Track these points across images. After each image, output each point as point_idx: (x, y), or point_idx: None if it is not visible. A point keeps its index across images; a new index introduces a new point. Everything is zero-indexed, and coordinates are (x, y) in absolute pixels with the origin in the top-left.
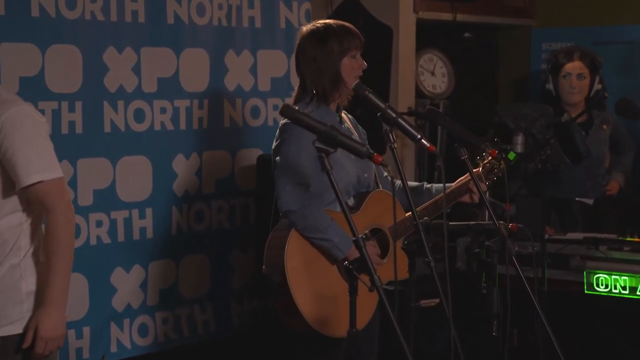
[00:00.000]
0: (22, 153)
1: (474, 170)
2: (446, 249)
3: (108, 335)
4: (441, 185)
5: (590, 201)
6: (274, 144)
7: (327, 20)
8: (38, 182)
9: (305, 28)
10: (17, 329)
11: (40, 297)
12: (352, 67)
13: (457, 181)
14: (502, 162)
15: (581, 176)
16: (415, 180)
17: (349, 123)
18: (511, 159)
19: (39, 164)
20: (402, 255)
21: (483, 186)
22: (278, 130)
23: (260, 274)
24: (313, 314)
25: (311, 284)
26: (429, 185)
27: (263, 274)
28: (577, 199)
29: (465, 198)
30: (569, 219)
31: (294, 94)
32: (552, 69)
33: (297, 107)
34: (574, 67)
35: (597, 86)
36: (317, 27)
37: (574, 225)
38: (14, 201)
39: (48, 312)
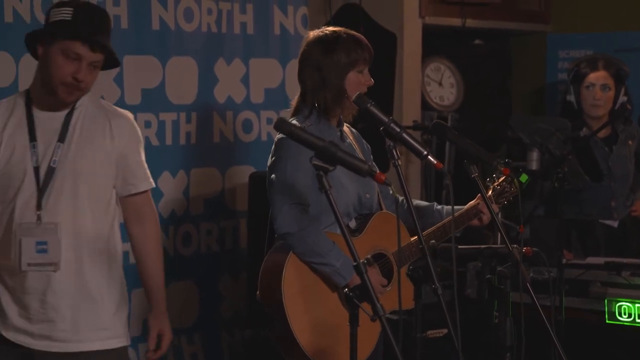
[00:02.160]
0: (136, 161)
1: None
2: (455, 274)
3: None
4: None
5: (614, 223)
6: (270, 160)
7: (337, 28)
8: (147, 190)
9: (312, 33)
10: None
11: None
12: (357, 83)
13: (467, 205)
14: (513, 184)
15: (604, 196)
16: (421, 200)
17: (351, 138)
18: (523, 181)
19: (147, 173)
20: (406, 283)
21: (494, 208)
22: (274, 146)
23: (252, 301)
24: (312, 345)
25: (310, 312)
26: (439, 207)
27: (257, 300)
28: (600, 220)
29: (474, 222)
30: (592, 243)
31: (293, 104)
32: (574, 79)
33: (295, 120)
34: (597, 77)
35: (623, 98)
36: (326, 34)
37: (597, 249)
38: (116, 211)
39: (165, 316)
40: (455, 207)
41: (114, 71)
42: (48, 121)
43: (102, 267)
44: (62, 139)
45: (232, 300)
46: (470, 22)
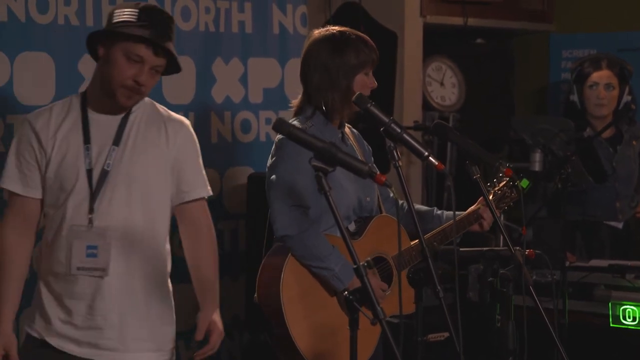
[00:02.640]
0: (194, 168)
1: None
2: (456, 277)
3: None
4: (452, 213)
5: (619, 224)
6: (269, 161)
7: (343, 28)
8: (201, 198)
9: (318, 32)
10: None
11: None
12: (363, 85)
13: (467, 210)
14: (514, 190)
15: (609, 197)
16: (422, 202)
17: (352, 139)
18: (524, 186)
19: (204, 181)
20: (406, 288)
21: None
22: (274, 147)
23: (251, 304)
24: (311, 349)
25: (309, 316)
26: (439, 212)
27: (255, 303)
28: (605, 222)
29: (474, 227)
30: (596, 244)
31: (296, 102)
32: (577, 79)
33: (296, 121)
34: (601, 76)
35: (627, 97)
36: (334, 34)
37: (601, 250)
38: (169, 218)
39: (218, 313)
40: (456, 212)
41: None
42: (104, 124)
43: (153, 275)
44: (117, 142)
45: (230, 303)
46: (472, 21)
